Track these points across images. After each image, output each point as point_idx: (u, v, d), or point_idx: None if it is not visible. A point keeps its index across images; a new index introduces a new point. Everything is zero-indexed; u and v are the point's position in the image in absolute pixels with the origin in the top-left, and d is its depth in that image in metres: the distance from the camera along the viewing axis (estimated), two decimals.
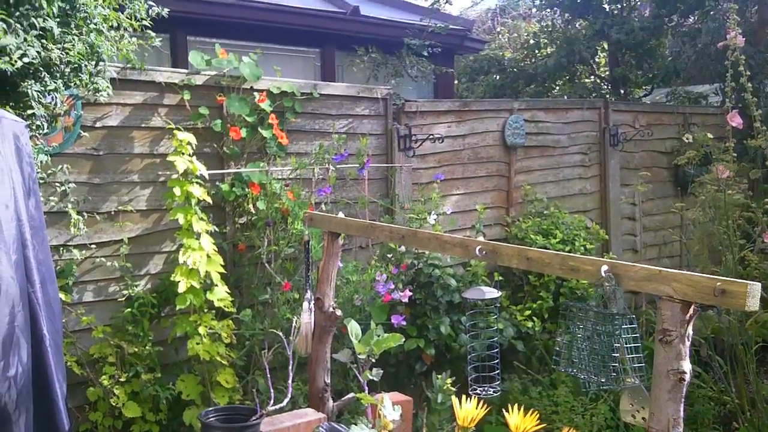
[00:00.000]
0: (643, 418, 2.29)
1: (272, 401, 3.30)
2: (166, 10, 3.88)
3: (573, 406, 4.75)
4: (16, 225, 2.37)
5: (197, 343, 3.94)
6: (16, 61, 2.91)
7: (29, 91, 3.06)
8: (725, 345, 5.06)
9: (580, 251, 5.66)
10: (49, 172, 3.89)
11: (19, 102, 3.11)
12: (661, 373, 2.04)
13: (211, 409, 3.41)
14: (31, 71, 3.06)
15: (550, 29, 10.22)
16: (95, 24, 3.39)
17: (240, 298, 4.52)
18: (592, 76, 10.13)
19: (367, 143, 5.13)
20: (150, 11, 3.81)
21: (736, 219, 5.01)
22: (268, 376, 3.45)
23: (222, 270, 4.12)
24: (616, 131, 6.95)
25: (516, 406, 2.56)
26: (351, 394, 3.60)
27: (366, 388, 3.41)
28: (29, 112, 3.13)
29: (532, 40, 10.64)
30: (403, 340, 3.56)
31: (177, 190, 3.98)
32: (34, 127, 3.25)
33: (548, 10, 10.39)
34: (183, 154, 4.03)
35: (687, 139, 7.12)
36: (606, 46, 9.34)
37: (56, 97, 3.33)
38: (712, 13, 8.22)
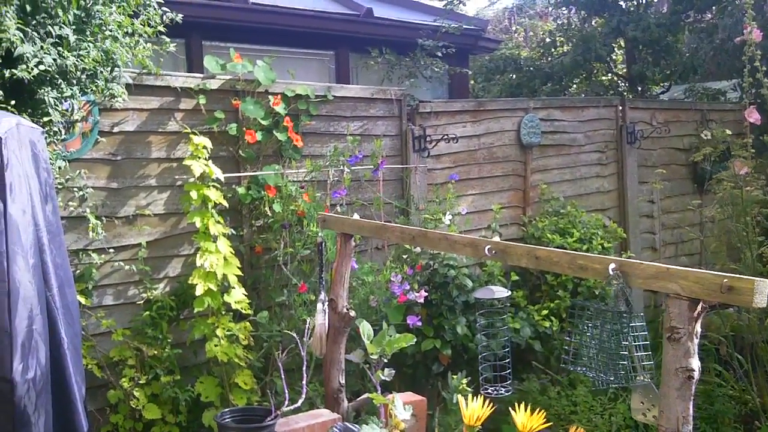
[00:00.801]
0: (654, 417, 2.28)
1: (287, 402, 3.32)
2: (180, 15, 3.93)
3: (592, 406, 4.74)
4: (33, 230, 2.40)
5: (215, 345, 3.98)
6: (32, 69, 2.97)
7: (46, 98, 3.12)
8: (745, 343, 5.01)
9: (597, 250, 5.63)
10: (68, 177, 3.94)
11: (36, 109, 3.17)
12: (670, 371, 2.04)
13: (227, 410, 3.43)
14: (47, 78, 3.12)
15: (566, 27, 10.15)
16: (110, 31, 3.44)
17: (257, 300, 4.56)
18: (609, 74, 10.06)
19: (382, 144, 5.15)
20: (164, 17, 3.84)
21: (755, 215, 4.97)
22: (283, 377, 3.47)
23: (239, 272, 4.16)
24: (633, 129, 6.91)
25: (530, 405, 2.57)
26: (365, 395, 3.62)
27: (379, 388, 3.43)
28: (46, 118, 3.18)
29: (548, 38, 10.59)
30: (415, 340, 3.57)
31: (194, 194, 4.03)
32: (51, 133, 3.31)
33: (564, 8, 10.34)
34: (199, 158, 4.07)
35: (705, 135, 7.07)
36: (623, 44, 9.27)
37: (73, 104, 3.39)
38: (729, 8, 8.13)
